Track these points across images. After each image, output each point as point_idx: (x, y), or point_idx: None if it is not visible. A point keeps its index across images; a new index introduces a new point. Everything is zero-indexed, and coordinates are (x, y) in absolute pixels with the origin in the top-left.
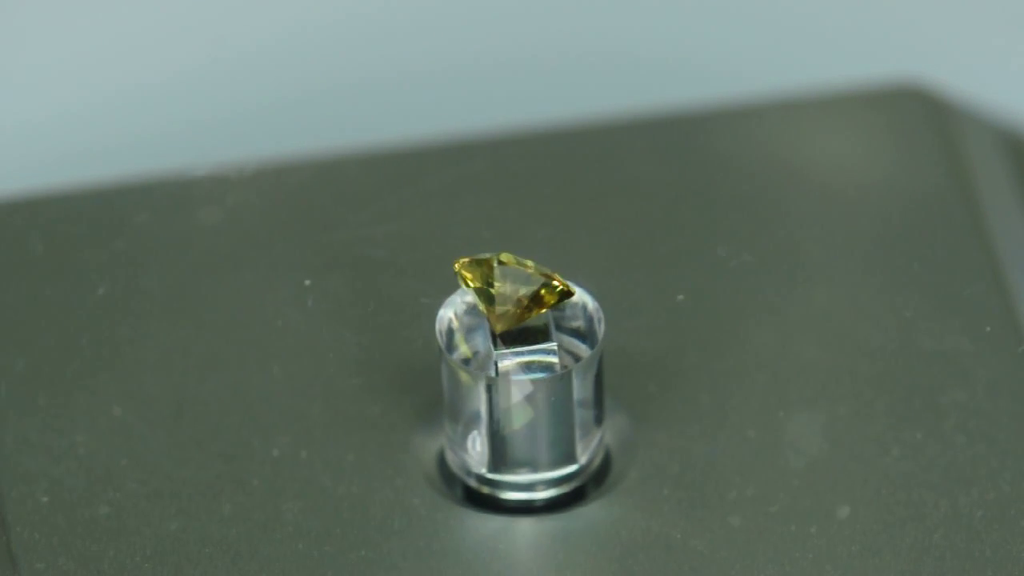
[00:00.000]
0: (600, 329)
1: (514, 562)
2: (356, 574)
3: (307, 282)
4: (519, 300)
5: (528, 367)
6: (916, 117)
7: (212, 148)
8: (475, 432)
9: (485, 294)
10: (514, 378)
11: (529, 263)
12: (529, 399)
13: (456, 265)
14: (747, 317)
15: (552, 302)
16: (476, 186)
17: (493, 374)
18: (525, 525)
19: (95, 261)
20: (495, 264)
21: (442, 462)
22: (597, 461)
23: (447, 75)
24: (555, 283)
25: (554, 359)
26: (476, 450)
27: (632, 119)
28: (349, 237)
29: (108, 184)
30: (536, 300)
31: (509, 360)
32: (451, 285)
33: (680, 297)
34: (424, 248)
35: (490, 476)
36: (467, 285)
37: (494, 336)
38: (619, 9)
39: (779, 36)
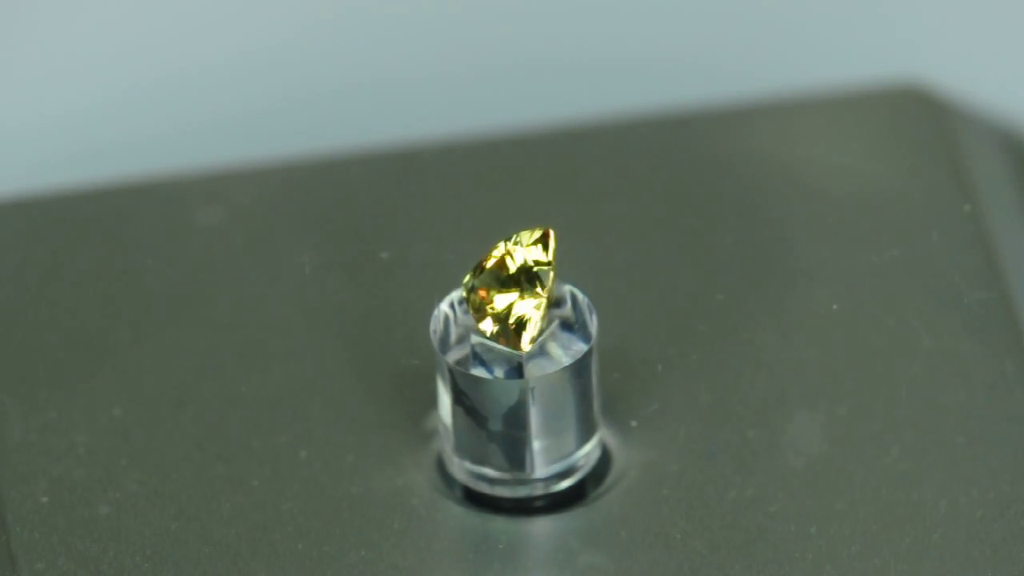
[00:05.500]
0: (593, 325)
1: (514, 562)
2: (356, 574)
3: (306, 268)
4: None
5: (499, 364)
6: (916, 117)
7: (212, 148)
8: (469, 430)
9: (522, 320)
10: (507, 376)
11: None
12: (482, 395)
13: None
14: (747, 317)
15: (551, 244)
16: (476, 186)
17: (488, 374)
18: (525, 525)
19: (95, 261)
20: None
21: (441, 462)
22: (596, 460)
23: (448, 76)
24: (519, 243)
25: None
26: (470, 449)
27: (632, 119)
28: (349, 237)
29: (108, 184)
30: (541, 246)
31: (485, 351)
32: (450, 285)
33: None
34: (424, 248)
35: (487, 475)
36: (516, 332)
37: (488, 336)
38: (619, 10)
39: (779, 36)
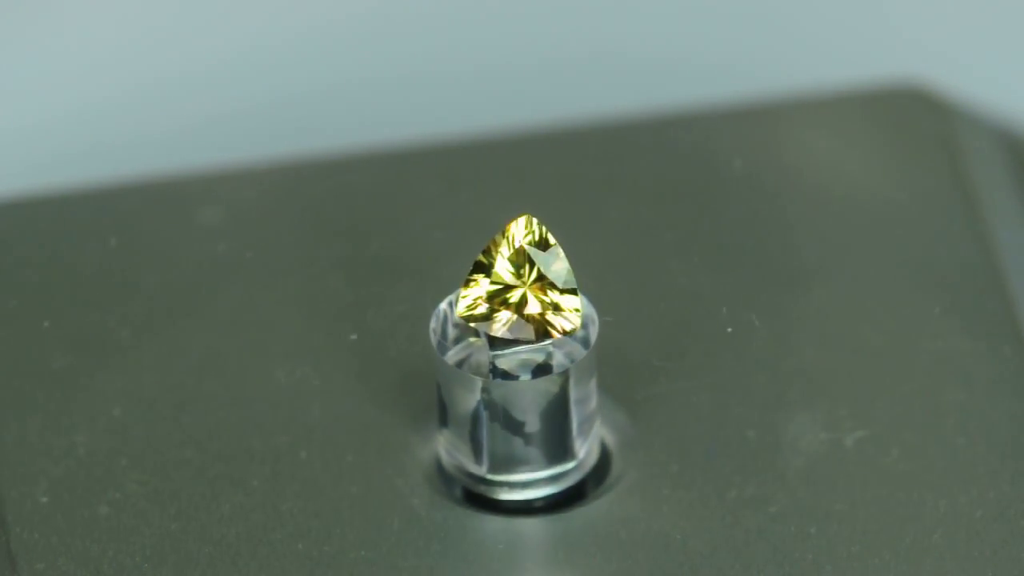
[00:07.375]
0: (594, 329)
1: (514, 562)
2: (356, 574)
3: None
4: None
5: (522, 367)
6: (916, 117)
7: (212, 148)
8: (470, 433)
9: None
10: (505, 379)
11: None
12: (523, 399)
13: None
14: (747, 317)
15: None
16: (476, 186)
17: (487, 375)
18: (525, 525)
19: (95, 261)
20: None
21: (441, 462)
22: (596, 460)
23: (447, 75)
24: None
25: (544, 358)
26: (471, 451)
27: (632, 119)
28: (349, 237)
29: (108, 184)
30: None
31: (503, 360)
32: (450, 286)
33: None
34: (424, 248)
35: (486, 476)
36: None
37: (488, 337)
38: (619, 9)
39: (779, 37)
